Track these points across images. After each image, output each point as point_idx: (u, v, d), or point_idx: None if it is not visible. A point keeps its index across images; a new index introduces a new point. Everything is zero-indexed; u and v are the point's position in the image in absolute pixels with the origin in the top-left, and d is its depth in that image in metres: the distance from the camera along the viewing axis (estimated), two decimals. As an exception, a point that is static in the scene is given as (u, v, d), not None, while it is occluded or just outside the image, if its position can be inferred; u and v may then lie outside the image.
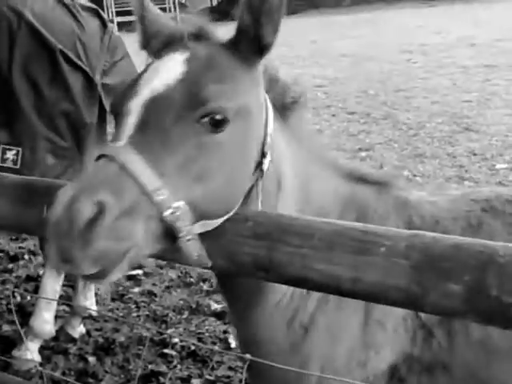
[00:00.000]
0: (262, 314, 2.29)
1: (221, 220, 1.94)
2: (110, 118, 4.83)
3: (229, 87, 1.92)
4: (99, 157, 1.80)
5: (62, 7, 4.87)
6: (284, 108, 2.26)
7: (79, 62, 4.77)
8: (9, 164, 4.61)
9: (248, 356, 2.00)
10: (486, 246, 1.62)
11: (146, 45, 2.19)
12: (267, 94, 2.16)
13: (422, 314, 2.31)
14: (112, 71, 4.97)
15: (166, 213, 1.75)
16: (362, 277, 1.73)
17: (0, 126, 4.70)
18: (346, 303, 2.30)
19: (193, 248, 1.86)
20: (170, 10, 29.63)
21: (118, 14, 27.98)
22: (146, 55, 2.19)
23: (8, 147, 4.66)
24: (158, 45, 2.12)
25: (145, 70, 2.01)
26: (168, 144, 1.80)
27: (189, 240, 1.83)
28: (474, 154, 9.82)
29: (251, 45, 1.99)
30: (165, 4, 29.73)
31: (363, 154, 10.20)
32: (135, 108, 1.87)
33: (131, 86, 1.95)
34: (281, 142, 2.19)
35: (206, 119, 1.84)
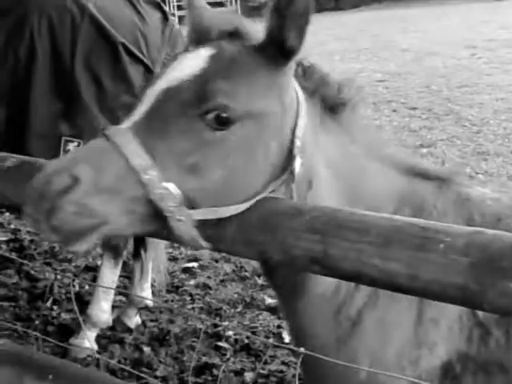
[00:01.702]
0: (306, 306, 2.29)
1: (227, 212, 1.93)
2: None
3: (239, 87, 1.93)
4: (100, 136, 1.90)
5: (125, 0, 4.91)
6: (334, 107, 2.24)
7: (140, 55, 4.81)
8: (70, 156, 4.67)
9: (302, 349, 1.97)
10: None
11: (191, 39, 2.22)
12: (314, 94, 2.17)
13: (480, 313, 2.26)
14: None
15: (153, 191, 1.80)
16: (420, 273, 1.69)
17: (62, 118, 4.77)
18: (397, 300, 2.26)
19: (184, 229, 1.89)
20: (230, 3, 29.63)
21: (180, 7, 28.20)
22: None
23: (70, 139, 4.73)
24: (195, 38, 2.16)
25: (172, 62, 2.08)
26: (166, 133, 1.86)
27: (179, 221, 1.86)
28: (539, 152, 9.60)
29: (277, 48, 1.98)
30: (225, -2, 29.81)
31: (424, 150, 10.06)
32: (148, 97, 1.96)
33: (157, 76, 2.05)
34: (321, 143, 2.17)
35: (211, 116, 1.87)
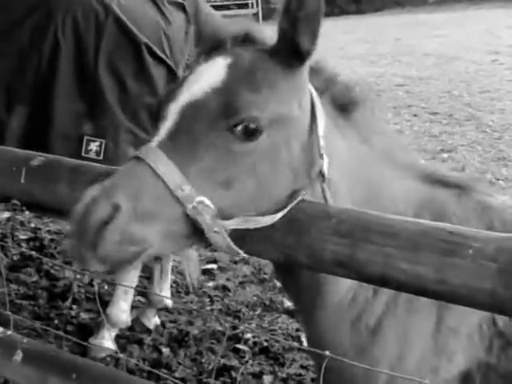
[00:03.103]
0: (323, 314, 2.28)
1: (262, 222, 1.93)
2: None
3: (265, 96, 1.92)
4: (132, 157, 1.89)
5: (149, 1, 4.92)
6: (344, 107, 2.23)
7: (163, 56, 4.81)
8: (92, 155, 4.68)
9: (327, 353, 1.97)
10: None
11: (197, 45, 2.24)
12: (324, 94, 2.16)
13: (500, 322, 2.25)
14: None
15: (189, 206, 1.81)
16: (448, 278, 1.69)
17: (84, 117, 4.77)
18: (416, 309, 2.26)
19: (220, 240, 1.89)
20: (251, 5, 29.62)
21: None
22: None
23: (92, 138, 4.73)
24: (206, 46, 2.15)
25: (190, 73, 2.06)
26: (196, 149, 1.85)
27: (215, 232, 1.86)
28: (561, 159, 9.53)
29: (291, 52, 1.97)
30: (247, 0, 29.79)
31: (445, 155, 10.01)
32: (172, 112, 1.94)
33: (175, 89, 2.01)
34: (337, 144, 2.15)
35: (239, 128, 1.87)
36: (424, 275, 1.71)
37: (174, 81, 4.85)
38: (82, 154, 4.65)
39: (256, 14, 28.53)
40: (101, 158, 4.67)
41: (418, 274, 1.71)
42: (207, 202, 1.82)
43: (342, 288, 2.22)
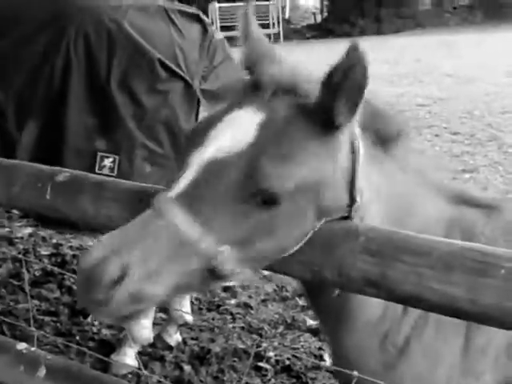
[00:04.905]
0: (351, 333, 2.27)
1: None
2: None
3: (291, 168, 1.84)
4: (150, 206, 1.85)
5: (163, 15, 4.93)
6: (387, 140, 2.19)
7: (178, 70, 4.81)
8: (106, 171, 4.68)
9: (355, 373, 1.96)
10: None
11: (246, 67, 2.15)
12: (368, 129, 2.10)
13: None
14: (211, 76, 5.00)
15: (212, 257, 1.79)
16: (480, 299, 1.69)
17: (98, 133, 4.77)
18: (444, 327, 2.25)
19: (242, 277, 1.90)
20: (273, 26, 29.76)
21: (222, 18, 28.30)
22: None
23: (105, 155, 4.74)
24: (245, 84, 2.07)
25: (221, 118, 1.97)
26: (216, 208, 1.81)
27: (237, 273, 1.87)
28: None
29: (326, 120, 1.91)
30: (268, 20, 29.93)
31: (467, 175, 9.96)
32: (196, 164, 1.88)
33: (202, 135, 1.95)
34: (373, 179, 2.12)
35: (258, 198, 1.82)
36: (456, 295, 1.70)
37: (190, 94, 4.87)
38: (96, 171, 4.64)
39: (277, 34, 28.68)
40: (115, 174, 4.68)
41: (451, 295, 1.71)
42: (228, 251, 1.81)
43: (370, 307, 2.21)
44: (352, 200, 2.00)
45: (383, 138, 2.18)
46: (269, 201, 1.82)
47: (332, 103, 1.86)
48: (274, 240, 1.88)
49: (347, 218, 2.03)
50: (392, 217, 2.20)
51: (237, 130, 1.90)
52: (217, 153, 1.86)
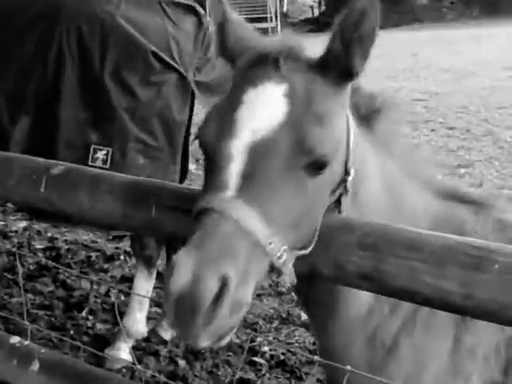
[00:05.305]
0: (338, 328, 2.25)
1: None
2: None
3: (329, 128, 1.85)
4: (207, 209, 1.74)
5: (157, 7, 4.90)
6: (368, 117, 2.18)
7: (172, 62, 4.80)
8: (98, 164, 4.67)
9: (348, 367, 1.95)
10: None
11: (222, 53, 2.11)
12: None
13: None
14: (205, 68, 4.98)
15: (275, 258, 1.77)
16: (474, 293, 1.68)
17: (91, 126, 4.77)
18: (433, 328, 2.23)
19: (289, 279, 1.88)
20: (271, 20, 29.72)
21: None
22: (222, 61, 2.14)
23: (99, 147, 4.73)
24: (244, 62, 2.00)
25: (239, 101, 1.88)
26: (276, 194, 1.76)
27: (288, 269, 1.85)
28: None
29: (340, 71, 1.91)
30: (266, 14, 29.88)
31: (462, 170, 9.96)
32: (237, 152, 1.79)
33: (226, 122, 1.86)
34: (363, 153, 2.11)
35: (313, 165, 1.80)
36: (450, 290, 1.70)
37: (184, 85, 4.86)
38: (89, 163, 4.64)
39: (274, 28, 28.64)
40: (107, 166, 4.67)
41: (444, 289, 1.70)
42: (286, 248, 1.79)
43: (358, 303, 2.20)
44: (346, 172, 1.99)
45: (364, 114, 2.17)
46: (322, 166, 1.81)
47: (347, 52, 1.87)
48: (311, 217, 1.86)
49: (339, 201, 2.02)
50: (390, 205, 2.20)
51: (266, 107, 1.83)
52: (255, 135, 1.79)
